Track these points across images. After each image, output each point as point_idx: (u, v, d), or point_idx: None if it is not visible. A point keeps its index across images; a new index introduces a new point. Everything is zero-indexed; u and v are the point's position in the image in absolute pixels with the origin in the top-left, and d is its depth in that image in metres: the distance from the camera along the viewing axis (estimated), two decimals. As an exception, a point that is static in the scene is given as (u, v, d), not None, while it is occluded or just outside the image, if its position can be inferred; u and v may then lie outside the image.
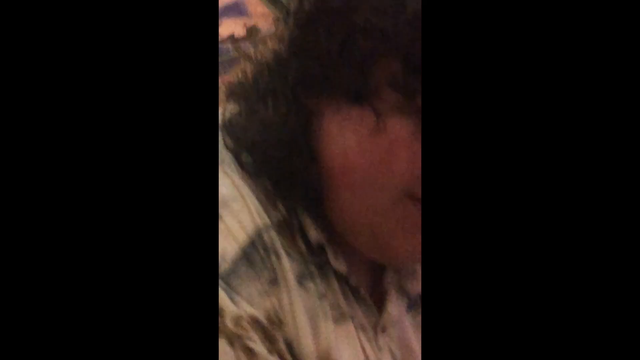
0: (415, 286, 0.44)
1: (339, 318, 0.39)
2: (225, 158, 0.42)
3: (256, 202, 0.40)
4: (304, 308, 0.38)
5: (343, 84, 0.35)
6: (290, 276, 0.38)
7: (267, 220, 0.39)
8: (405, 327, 0.44)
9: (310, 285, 0.39)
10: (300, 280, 0.39)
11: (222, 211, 0.39)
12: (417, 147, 0.34)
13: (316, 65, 0.36)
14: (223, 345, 0.37)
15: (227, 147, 0.42)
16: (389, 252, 0.39)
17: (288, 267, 0.38)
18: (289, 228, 0.39)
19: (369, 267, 0.43)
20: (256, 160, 0.41)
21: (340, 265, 0.40)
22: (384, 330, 0.42)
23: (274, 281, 0.38)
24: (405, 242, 0.37)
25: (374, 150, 0.35)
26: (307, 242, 0.40)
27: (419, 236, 0.36)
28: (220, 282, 0.38)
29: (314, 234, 0.40)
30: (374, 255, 0.40)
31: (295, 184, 0.39)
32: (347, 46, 0.34)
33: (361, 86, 0.34)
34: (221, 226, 0.39)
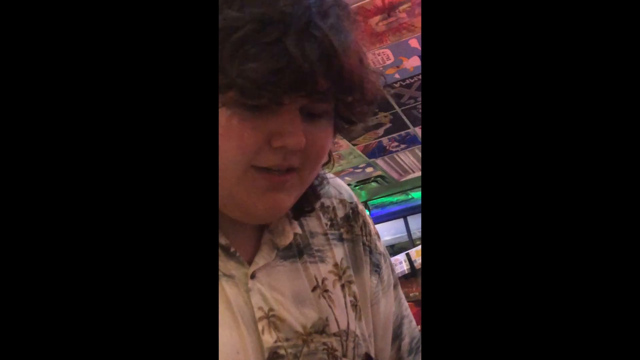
0: (284, 240, 0.53)
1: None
2: None
3: None
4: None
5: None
6: None
7: None
8: (275, 272, 0.52)
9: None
10: None
11: None
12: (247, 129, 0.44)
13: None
14: None
15: None
16: (248, 212, 0.49)
17: None
18: None
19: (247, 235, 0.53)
20: None
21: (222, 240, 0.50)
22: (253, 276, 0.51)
23: None
24: (259, 202, 0.47)
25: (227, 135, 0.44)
26: None
27: (270, 199, 0.47)
28: None
29: None
30: (237, 216, 0.50)
31: None
32: None
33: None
34: None
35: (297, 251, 0.55)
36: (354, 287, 0.57)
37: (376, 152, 3.89)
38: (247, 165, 0.45)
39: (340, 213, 0.61)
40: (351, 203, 0.62)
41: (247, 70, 0.40)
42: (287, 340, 0.49)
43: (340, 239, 0.59)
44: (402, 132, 3.47)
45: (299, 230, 0.55)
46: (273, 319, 0.49)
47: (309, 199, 0.55)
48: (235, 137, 0.44)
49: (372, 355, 0.54)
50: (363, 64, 0.47)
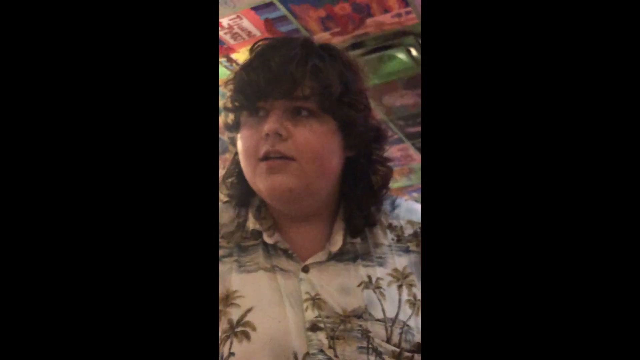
0: (334, 247, 0.65)
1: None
2: None
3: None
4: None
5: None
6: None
7: None
8: (326, 269, 0.64)
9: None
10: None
11: None
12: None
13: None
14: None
15: None
16: (263, 196, 0.64)
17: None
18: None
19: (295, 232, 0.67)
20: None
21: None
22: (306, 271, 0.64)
23: None
24: (264, 184, 0.60)
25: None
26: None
27: (271, 180, 0.60)
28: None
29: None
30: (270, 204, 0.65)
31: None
32: None
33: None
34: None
35: (353, 257, 0.65)
36: (415, 290, 0.65)
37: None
38: (256, 160, 0.60)
39: (409, 231, 0.69)
40: (419, 223, 0.69)
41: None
42: (327, 317, 0.60)
43: (407, 251, 0.68)
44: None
45: (356, 240, 0.66)
46: (317, 301, 0.61)
47: (372, 217, 0.67)
48: (245, 141, 0.62)
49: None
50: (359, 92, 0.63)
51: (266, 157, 0.59)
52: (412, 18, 1.85)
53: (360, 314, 0.61)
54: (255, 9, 1.61)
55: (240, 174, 0.66)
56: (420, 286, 0.65)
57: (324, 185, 0.64)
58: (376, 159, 0.68)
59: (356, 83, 0.64)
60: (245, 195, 0.67)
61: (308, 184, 0.61)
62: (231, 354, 0.57)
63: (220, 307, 0.60)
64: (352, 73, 0.64)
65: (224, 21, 1.63)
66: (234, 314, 0.60)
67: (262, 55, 0.62)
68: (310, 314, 0.60)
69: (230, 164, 0.69)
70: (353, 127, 0.63)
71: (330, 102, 0.60)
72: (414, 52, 1.86)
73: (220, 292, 0.61)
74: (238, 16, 1.63)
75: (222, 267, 0.63)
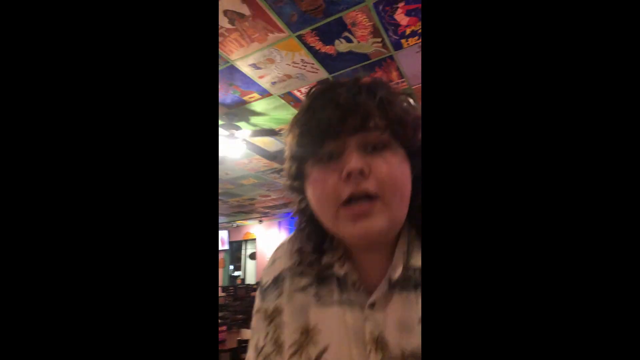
0: (394, 275, 0.61)
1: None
2: None
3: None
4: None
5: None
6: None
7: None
8: (390, 302, 0.61)
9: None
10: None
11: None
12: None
13: None
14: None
15: None
16: (350, 241, 0.61)
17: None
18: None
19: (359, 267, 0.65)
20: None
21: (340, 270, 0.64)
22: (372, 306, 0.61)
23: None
24: (353, 231, 0.57)
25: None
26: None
27: (360, 227, 0.56)
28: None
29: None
30: (350, 244, 0.63)
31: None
32: None
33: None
34: None
35: (414, 284, 0.61)
36: None
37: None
38: (337, 205, 0.57)
39: None
40: None
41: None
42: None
43: None
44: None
45: (415, 264, 0.62)
46: (380, 343, 0.59)
47: None
48: (320, 184, 0.58)
49: None
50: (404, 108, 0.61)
51: (350, 200, 0.56)
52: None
53: (419, 354, 0.57)
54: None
55: (314, 223, 0.63)
56: None
57: (405, 214, 0.61)
58: None
59: (413, 110, 0.62)
60: (321, 237, 0.66)
61: (394, 219, 0.59)
62: None
63: (302, 340, 0.61)
64: (409, 104, 0.62)
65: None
66: (312, 351, 0.60)
67: (323, 96, 0.60)
68: (374, 357, 0.58)
69: (301, 216, 0.66)
70: (418, 152, 0.60)
71: (403, 131, 0.59)
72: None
73: (296, 326, 0.62)
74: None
75: (303, 297, 0.64)
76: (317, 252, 0.66)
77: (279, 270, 0.68)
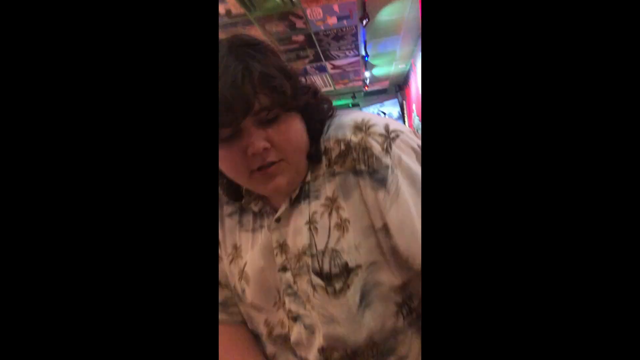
0: (294, 194, 0.77)
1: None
2: None
3: None
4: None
5: None
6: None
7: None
8: (289, 215, 0.78)
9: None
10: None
11: None
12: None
13: None
14: None
15: None
16: (263, 194, 0.78)
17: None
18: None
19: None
20: None
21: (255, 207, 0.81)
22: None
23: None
24: (265, 189, 0.72)
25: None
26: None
27: (270, 185, 0.70)
28: None
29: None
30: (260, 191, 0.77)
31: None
32: None
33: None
34: None
35: (304, 196, 0.77)
36: (342, 212, 0.75)
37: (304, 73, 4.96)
38: (248, 172, 0.69)
39: (335, 152, 0.75)
40: (344, 140, 0.75)
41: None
42: (290, 259, 0.76)
43: (333, 175, 0.76)
44: (319, 63, 5.90)
45: (308, 179, 0.77)
46: (284, 247, 0.77)
47: (317, 151, 0.76)
48: (229, 160, 0.69)
49: (353, 262, 0.74)
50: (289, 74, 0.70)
51: (259, 168, 0.68)
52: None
53: (305, 251, 0.76)
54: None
55: (230, 182, 0.78)
56: (346, 207, 0.75)
57: (305, 162, 0.75)
58: (317, 102, 0.77)
59: (283, 65, 0.70)
60: (238, 191, 0.81)
61: (297, 170, 0.73)
62: (242, 290, 0.80)
63: (234, 253, 0.82)
64: (277, 58, 0.70)
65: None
66: (240, 264, 0.81)
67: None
68: (279, 259, 0.77)
69: (220, 177, 0.79)
70: (306, 104, 0.73)
71: (287, 99, 0.67)
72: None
73: (230, 242, 0.82)
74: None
75: (230, 222, 0.83)
76: (236, 200, 0.82)
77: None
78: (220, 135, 0.66)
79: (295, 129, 0.71)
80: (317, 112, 0.77)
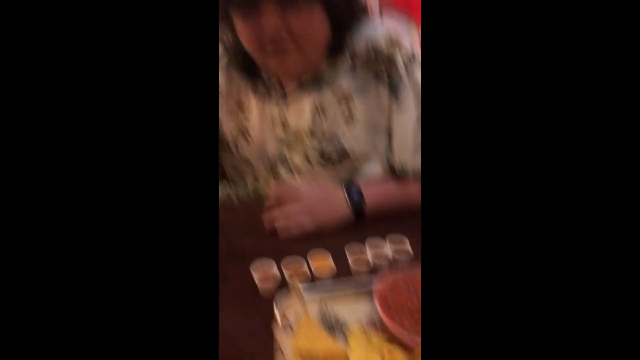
0: (305, 77, 0.92)
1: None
2: None
3: None
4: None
5: None
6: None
7: None
8: (300, 100, 0.92)
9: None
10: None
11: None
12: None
13: None
14: None
15: None
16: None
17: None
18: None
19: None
20: None
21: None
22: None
23: None
24: (273, 64, 0.88)
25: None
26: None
27: (277, 60, 0.86)
28: None
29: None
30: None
31: None
32: None
33: None
34: None
35: (315, 82, 0.90)
36: (352, 105, 0.88)
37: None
38: (260, 48, 0.81)
39: (364, 56, 0.88)
40: (376, 48, 0.87)
41: None
42: (289, 136, 0.93)
43: (355, 72, 0.88)
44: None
45: (322, 68, 0.89)
46: (285, 124, 0.93)
47: (338, 45, 0.87)
48: (245, 37, 0.82)
49: (350, 148, 0.90)
50: None
51: (271, 42, 0.79)
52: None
53: (306, 131, 0.90)
54: None
55: (244, 54, 0.88)
56: (358, 103, 0.88)
57: (320, 56, 0.86)
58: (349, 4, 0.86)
59: None
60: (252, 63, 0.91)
61: (307, 55, 0.83)
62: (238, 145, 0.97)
63: (240, 113, 0.96)
64: None
65: None
66: (240, 120, 0.96)
67: None
68: (279, 133, 0.93)
69: (227, 47, 0.91)
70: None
71: None
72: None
73: (235, 99, 0.96)
74: None
75: (240, 81, 0.96)
76: (250, 74, 0.93)
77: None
78: (240, 7, 0.77)
79: (313, 16, 0.79)
80: (345, 9, 0.85)
